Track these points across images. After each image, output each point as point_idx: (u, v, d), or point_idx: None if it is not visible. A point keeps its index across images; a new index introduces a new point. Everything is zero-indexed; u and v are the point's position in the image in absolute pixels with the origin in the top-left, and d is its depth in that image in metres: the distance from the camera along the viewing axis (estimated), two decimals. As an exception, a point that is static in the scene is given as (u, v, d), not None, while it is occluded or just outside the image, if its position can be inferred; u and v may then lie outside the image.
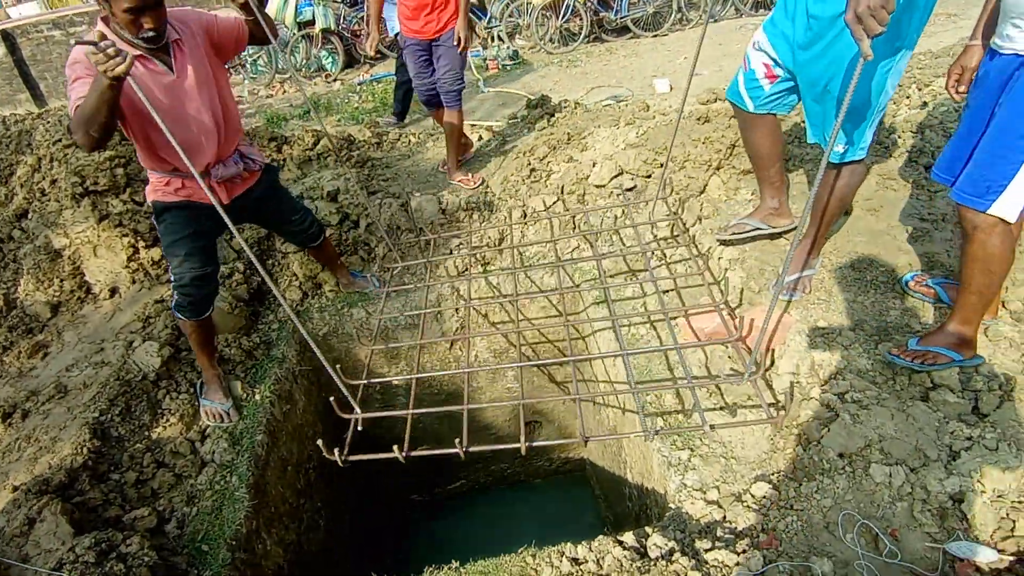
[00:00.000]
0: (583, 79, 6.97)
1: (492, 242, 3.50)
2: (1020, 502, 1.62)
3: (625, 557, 1.80)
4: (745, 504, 1.90)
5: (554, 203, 3.67)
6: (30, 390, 2.81)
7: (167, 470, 2.47)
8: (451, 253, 3.48)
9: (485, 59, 7.68)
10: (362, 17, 8.37)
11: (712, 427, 2.07)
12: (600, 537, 1.95)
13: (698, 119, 4.01)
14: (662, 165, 3.57)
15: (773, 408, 2.12)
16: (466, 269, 3.41)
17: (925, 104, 3.87)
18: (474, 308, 3.37)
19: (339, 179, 3.98)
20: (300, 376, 3.30)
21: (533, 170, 3.93)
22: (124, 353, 2.87)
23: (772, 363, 2.36)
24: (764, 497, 1.89)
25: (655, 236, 3.23)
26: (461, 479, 4.40)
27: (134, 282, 3.38)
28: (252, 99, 7.89)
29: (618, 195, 3.59)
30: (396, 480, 3.86)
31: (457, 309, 3.36)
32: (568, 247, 3.40)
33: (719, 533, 1.83)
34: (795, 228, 2.70)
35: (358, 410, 2.33)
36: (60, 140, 3.82)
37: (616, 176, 3.63)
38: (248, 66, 8.55)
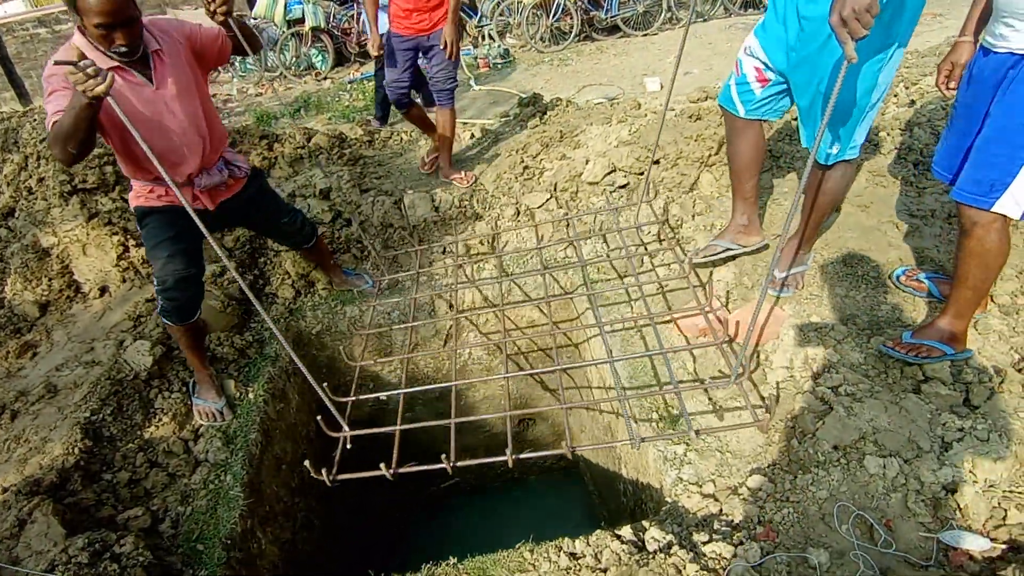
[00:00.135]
0: (574, 78, 6.98)
1: (479, 250, 3.48)
2: (1011, 492, 1.65)
3: (623, 551, 1.81)
4: (741, 497, 1.91)
5: (547, 200, 3.67)
6: (19, 390, 2.77)
7: (160, 469, 2.44)
8: (436, 262, 3.44)
9: (476, 58, 7.68)
10: (352, 15, 8.33)
11: (697, 433, 2.06)
12: (598, 531, 1.96)
13: (689, 117, 4.03)
14: (655, 163, 3.59)
15: (760, 410, 2.13)
16: (453, 279, 3.37)
17: (913, 102, 3.92)
18: (463, 318, 3.36)
19: (331, 177, 3.97)
20: (293, 374, 3.28)
21: (526, 167, 3.93)
22: (115, 352, 2.84)
23: (758, 365, 2.37)
24: (760, 490, 1.91)
25: (641, 240, 3.24)
26: (455, 477, 4.40)
27: (124, 281, 3.35)
28: (241, 97, 7.83)
29: (611, 192, 3.60)
30: (389, 482, 3.86)
31: (448, 315, 3.35)
32: (554, 253, 3.40)
33: (716, 526, 1.84)
34: (766, 246, 2.73)
35: (346, 428, 2.31)
36: (47, 138, 3.77)
37: (609, 173, 3.64)
38: (237, 64, 8.48)
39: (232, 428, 2.67)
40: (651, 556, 1.75)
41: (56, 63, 1.69)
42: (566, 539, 1.98)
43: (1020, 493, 1.66)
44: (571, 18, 8.17)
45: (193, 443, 2.59)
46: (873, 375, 2.08)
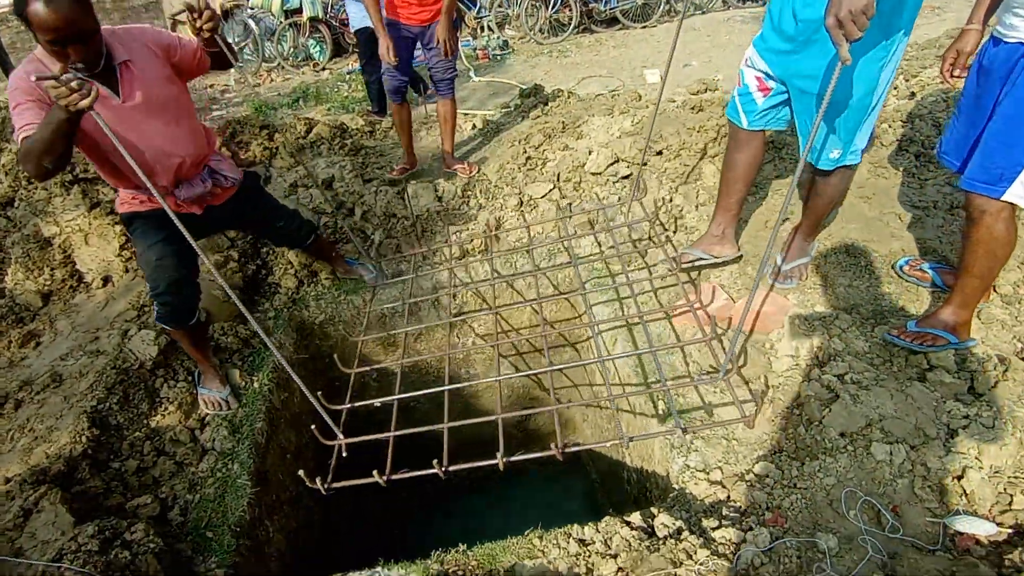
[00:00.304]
0: (574, 69, 6.97)
1: (474, 247, 3.48)
2: (1017, 477, 1.67)
3: (633, 537, 1.83)
4: (749, 483, 1.93)
5: (550, 190, 3.67)
6: (23, 380, 2.76)
7: (168, 458, 2.44)
8: (432, 265, 3.45)
9: (475, 49, 7.65)
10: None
11: (685, 431, 2.05)
12: (607, 518, 1.97)
13: (692, 108, 4.04)
14: (659, 153, 3.60)
15: (747, 405, 2.14)
16: (448, 282, 3.37)
17: (913, 94, 3.94)
18: (458, 321, 3.37)
19: (333, 167, 3.95)
20: (297, 364, 3.28)
21: (529, 158, 3.93)
22: (120, 342, 2.83)
23: (746, 362, 2.38)
24: (767, 476, 1.93)
25: (630, 238, 3.26)
26: (459, 461, 4.42)
27: (127, 271, 3.33)
28: (239, 88, 7.77)
29: (614, 182, 3.61)
30: (391, 471, 3.88)
31: (442, 318, 3.35)
32: (546, 253, 3.43)
33: (724, 512, 1.86)
34: (740, 257, 2.75)
35: (341, 436, 2.31)
36: (18, 153, 3.73)
37: (612, 164, 3.65)
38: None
39: (238, 417, 2.67)
40: (661, 542, 1.77)
41: (38, 79, 1.59)
42: (575, 525, 1.99)
43: (1025, 479, 1.68)
44: (570, 10, 8.14)
45: (199, 432, 2.60)
46: (878, 363, 2.10)
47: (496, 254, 3.37)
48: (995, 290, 2.30)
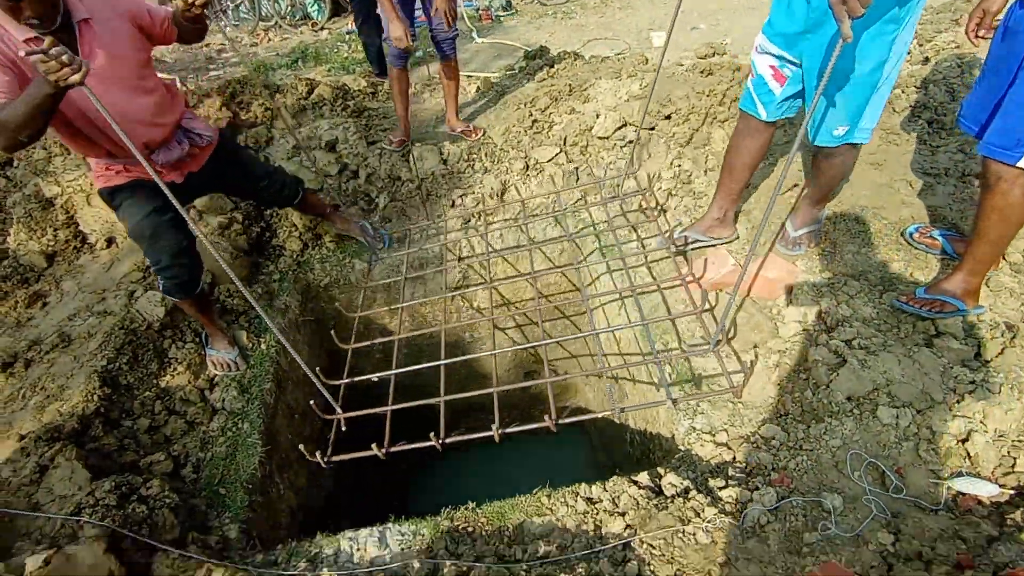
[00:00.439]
0: (579, 31, 6.81)
1: (478, 214, 3.46)
2: (1021, 441, 1.70)
3: (641, 496, 1.87)
4: (755, 445, 1.97)
5: (557, 154, 3.63)
6: (31, 340, 2.77)
7: (179, 417, 2.47)
8: (429, 241, 3.44)
9: (478, 9, 7.46)
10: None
11: (675, 401, 2.08)
12: (614, 477, 2.01)
13: (701, 72, 3.97)
14: (667, 117, 3.55)
15: (736, 376, 2.16)
16: (442, 257, 3.36)
17: (927, 59, 3.87)
18: (455, 295, 3.38)
19: (337, 128, 3.89)
20: (303, 326, 3.29)
21: (535, 121, 3.87)
22: (126, 303, 2.83)
23: (735, 334, 2.40)
24: (773, 439, 1.96)
25: (623, 211, 3.26)
26: (461, 427, 4.48)
27: (130, 232, 3.31)
28: (235, 47, 7.60)
29: (622, 147, 3.57)
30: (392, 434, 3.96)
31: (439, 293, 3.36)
32: (542, 228, 3.42)
33: (731, 472, 1.90)
34: (737, 237, 2.74)
35: (339, 411, 2.33)
36: None
37: (620, 128, 3.60)
38: (230, 12, 8.20)
39: (246, 378, 2.69)
40: (670, 500, 1.81)
41: (27, 53, 1.52)
42: (583, 484, 2.03)
43: (1027, 442, 1.71)
44: (575, -32, 7.90)
45: (209, 392, 2.62)
46: (885, 329, 2.12)
47: (491, 228, 3.35)
48: (1004, 258, 2.30)
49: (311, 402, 2.36)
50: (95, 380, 2.42)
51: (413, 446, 2.22)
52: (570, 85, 4.09)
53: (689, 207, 3.03)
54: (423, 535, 1.99)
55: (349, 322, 3.06)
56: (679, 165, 3.28)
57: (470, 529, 1.99)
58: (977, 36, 2.03)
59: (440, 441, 2.15)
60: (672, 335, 2.52)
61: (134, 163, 2.14)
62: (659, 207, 3.06)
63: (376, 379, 2.58)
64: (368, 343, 2.87)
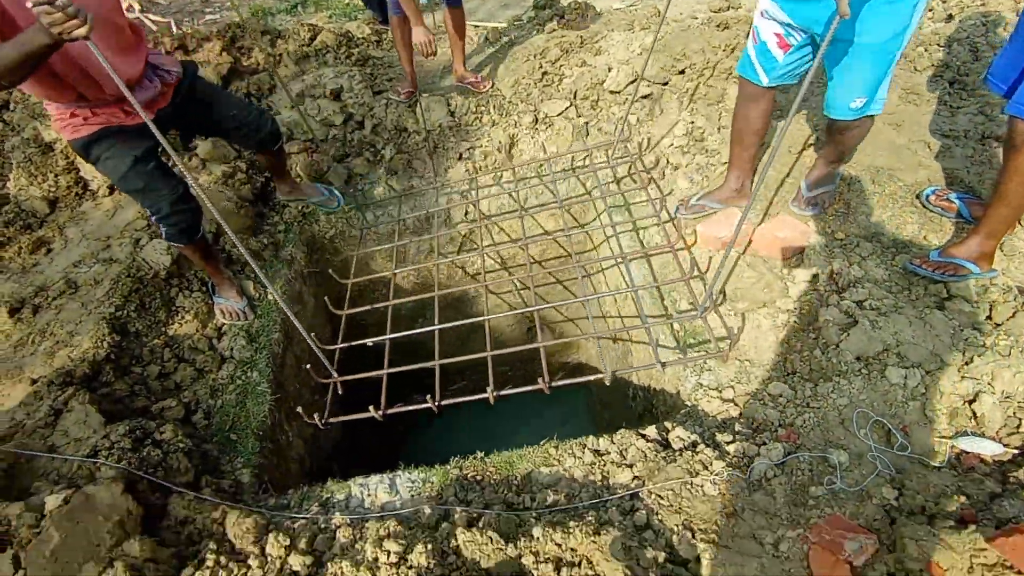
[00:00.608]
0: (590, -20, 6.57)
1: (463, 187, 3.44)
2: (1027, 402, 1.72)
3: (649, 448, 1.90)
4: (762, 402, 1.99)
5: (567, 108, 3.56)
6: (37, 286, 2.76)
7: (188, 365, 2.49)
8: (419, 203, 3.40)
9: (485, -46, 7.17)
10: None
11: (664, 365, 2.11)
12: (622, 430, 2.04)
13: (717, 26, 3.85)
14: (681, 72, 3.47)
15: (723, 343, 2.19)
16: (435, 224, 3.34)
17: (951, 17, 3.75)
18: (447, 262, 3.37)
19: (342, 77, 3.80)
20: (309, 277, 3.29)
21: (545, 73, 3.78)
22: (132, 251, 2.81)
23: (724, 298, 2.42)
24: (780, 396, 1.98)
25: (615, 177, 3.23)
26: (462, 383, 4.53)
27: (133, 179, 3.26)
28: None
29: (634, 102, 3.49)
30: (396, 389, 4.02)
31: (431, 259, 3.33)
32: (533, 194, 3.40)
33: (737, 428, 1.93)
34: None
35: (335, 375, 2.33)
36: None
37: (632, 82, 3.51)
38: (226, -48, 7.87)
39: (254, 328, 2.70)
40: (678, 453, 1.84)
41: (34, 5, 1.41)
42: (590, 437, 2.06)
43: (1035, 403, 1.73)
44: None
45: (217, 341, 2.63)
46: (897, 291, 2.11)
47: (481, 197, 3.33)
48: (1020, 223, 2.28)
49: (307, 366, 2.38)
50: (104, 327, 2.43)
51: (409, 408, 2.25)
52: (581, 37, 3.97)
53: (701, 164, 2.99)
54: (432, 482, 2.03)
55: (345, 286, 3.05)
56: (692, 122, 3.22)
57: (479, 478, 2.03)
58: None
59: (436, 403, 2.19)
60: (682, 294, 2.52)
61: (100, 105, 2.04)
62: (650, 175, 3.04)
63: (371, 344, 2.60)
64: (363, 308, 2.86)
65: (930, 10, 3.96)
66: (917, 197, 2.48)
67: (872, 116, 2.14)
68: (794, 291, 2.31)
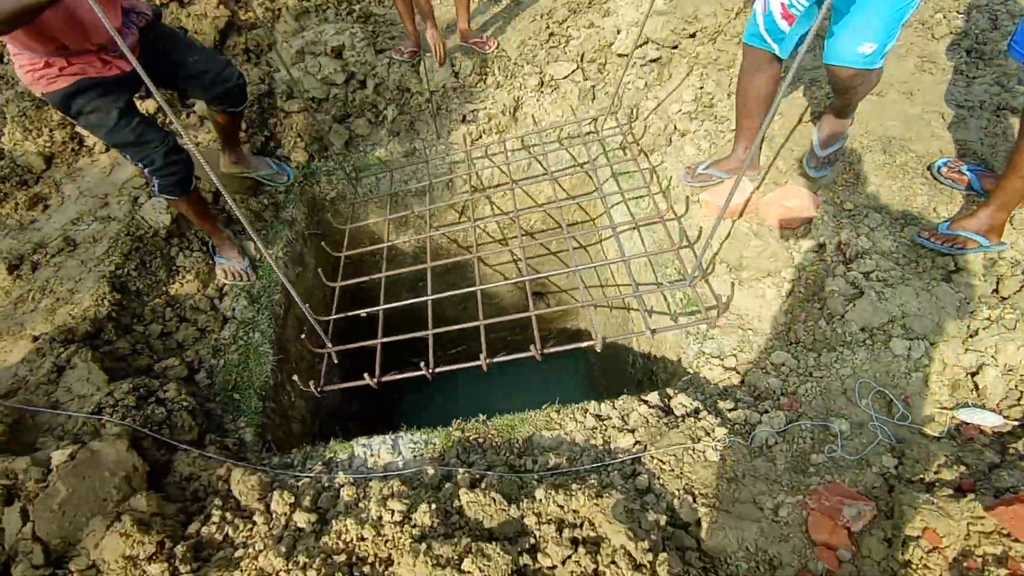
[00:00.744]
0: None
1: (455, 157, 3.38)
2: (1029, 375, 1.73)
3: (651, 414, 1.91)
4: (764, 370, 2.00)
5: (573, 71, 3.48)
6: (35, 243, 2.73)
7: (190, 324, 2.48)
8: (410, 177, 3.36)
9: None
10: None
11: (653, 332, 2.11)
12: (624, 396, 2.05)
13: (730, -14, 3.73)
14: (692, 35, 3.38)
15: (712, 311, 2.19)
16: (428, 196, 3.30)
17: (971, -18, 3.64)
18: (438, 234, 3.34)
19: (343, 34, 3.70)
20: (310, 239, 3.26)
21: (552, 34, 3.68)
22: (131, 209, 2.77)
23: (712, 269, 2.43)
24: (783, 365, 1.98)
25: (604, 149, 3.19)
26: (461, 347, 4.55)
27: (130, 135, 3.20)
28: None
29: (642, 65, 3.41)
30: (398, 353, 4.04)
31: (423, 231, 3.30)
32: (525, 166, 3.37)
33: (739, 396, 1.94)
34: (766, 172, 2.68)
35: (330, 345, 2.33)
36: None
37: (641, 45, 3.43)
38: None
39: (256, 288, 2.69)
40: (680, 419, 1.85)
41: None
42: (592, 402, 2.08)
43: (1037, 377, 1.74)
44: None
45: (219, 301, 2.62)
46: (904, 263, 2.10)
47: (476, 170, 3.30)
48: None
49: (302, 335, 2.38)
50: (104, 285, 2.41)
51: (404, 376, 2.26)
52: (590, -5, 3.86)
53: (710, 131, 2.94)
54: (435, 444, 2.05)
55: (340, 248, 3.03)
56: (701, 87, 3.15)
57: (480, 440, 2.05)
58: None
59: (430, 371, 2.19)
60: (687, 262, 2.51)
61: (78, 55, 1.96)
62: (640, 147, 3.01)
63: (364, 315, 2.60)
64: (356, 280, 2.83)
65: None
66: (928, 168, 2.44)
67: (878, 71, 2.05)
68: (800, 261, 2.30)
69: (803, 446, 1.70)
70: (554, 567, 1.45)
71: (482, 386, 4.53)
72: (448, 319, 2.84)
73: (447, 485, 1.77)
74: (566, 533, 1.52)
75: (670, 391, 2.02)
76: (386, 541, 1.56)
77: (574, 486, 1.62)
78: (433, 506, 1.62)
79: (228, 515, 1.71)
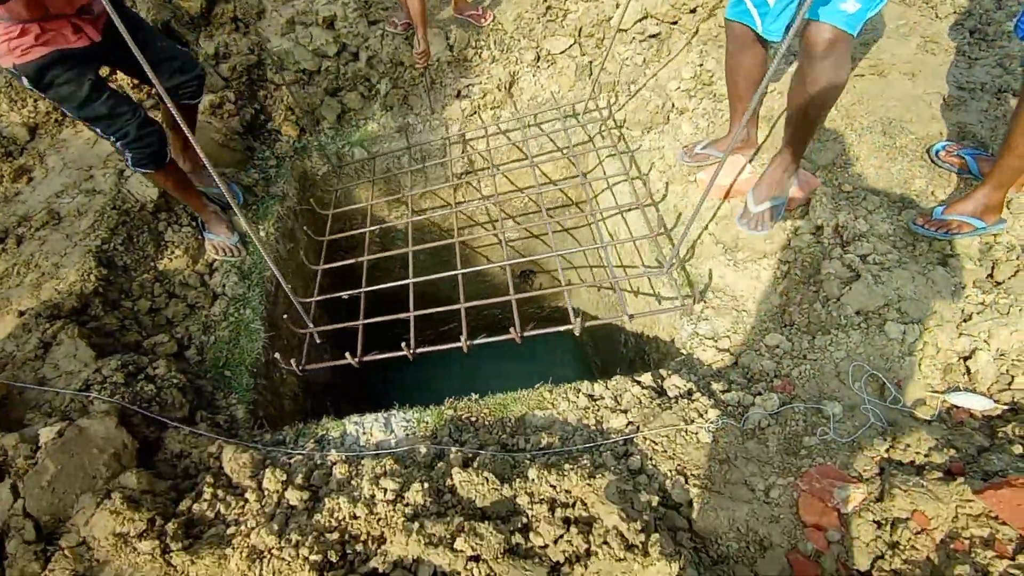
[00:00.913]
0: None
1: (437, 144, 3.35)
2: (1020, 360, 1.74)
3: (644, 395, 1.91)
4: (758, 353, 1.99)
5: (571, 46, 3.41)
6: (20, 215, 2.67)
7: (179, 300, 2.45)
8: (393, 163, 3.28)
9: None
10: None
11: (631, 317, 2.14)
12: (617, 376, 2.05)
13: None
14: (692, 11, 3.31)
15: (688, 300, 2.21)
16: (409, 183, 3.27)
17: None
18: (418, 220, 3.32)
19: (335, 3, 3.60)
20: (301, 215, 3.21)
21: (549, 7, 3.60)
22: (116, 182, 2.71)
23: (691, 256, 2.43)
24: (777, 347, 1.98)
25: (588, 136, 3.15)
26: (452, 324, 4.54)
27: (116, 106, 3.12)
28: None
29: (641, 41, 3.35)
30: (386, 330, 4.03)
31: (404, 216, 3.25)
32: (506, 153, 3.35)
33: (733, 377, 1.94)
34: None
35: (311, 325, 2.32)
36: None
37: (641, 20, 3.36)
38: None
39: (246, 264, 2.65)
40: (673, 400, 1.85)
41: None
42: (585, 382, 2.07)
43: (1027, 361, 1.75)
44: None
45: (208, 277, 2.58)
46: (901, 247, 2.09)
47: (454, 157, 3.27)
48: (1028, 180, 2.24)
49: (284, 316, 2.36)
50: (91, 259, 2.37)
51: (386, 356, 2.26)
52: (589, -32, 3.77)
53: (708, 110, 2.90)
54: (427, 422, 2.04)
55: (326, 226, 3.00)
56: (700, 64, 3.10)
57: (473, 419, 2.04)
58: None
59: (412, 352, 2.20)
60: (609, 260, 2.52)
61: (51, 20, 1.91)
62: (620, 134, 2.99)
63: (346, 296, 2.59)
64: (337, 264, 2.82)
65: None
66: (927, 151, 2.42)
67: (845, 42, 1.82)
68: (797, 243, 2.28)
69: (796, 428, 1.70)
70: (546, 546, 1.46)
71: (475, 361, 4.53)
72: (441, 298, 2.84)
73: (439, 464, 1.76)
74: (558, 513, 1.52)
75: (663, 372, 2.02)
76: (379, 519, 1.56)
77: (567, 466, 1.62)
78: (426, 485, 1.62)
79: (220, 492, 1.71)
